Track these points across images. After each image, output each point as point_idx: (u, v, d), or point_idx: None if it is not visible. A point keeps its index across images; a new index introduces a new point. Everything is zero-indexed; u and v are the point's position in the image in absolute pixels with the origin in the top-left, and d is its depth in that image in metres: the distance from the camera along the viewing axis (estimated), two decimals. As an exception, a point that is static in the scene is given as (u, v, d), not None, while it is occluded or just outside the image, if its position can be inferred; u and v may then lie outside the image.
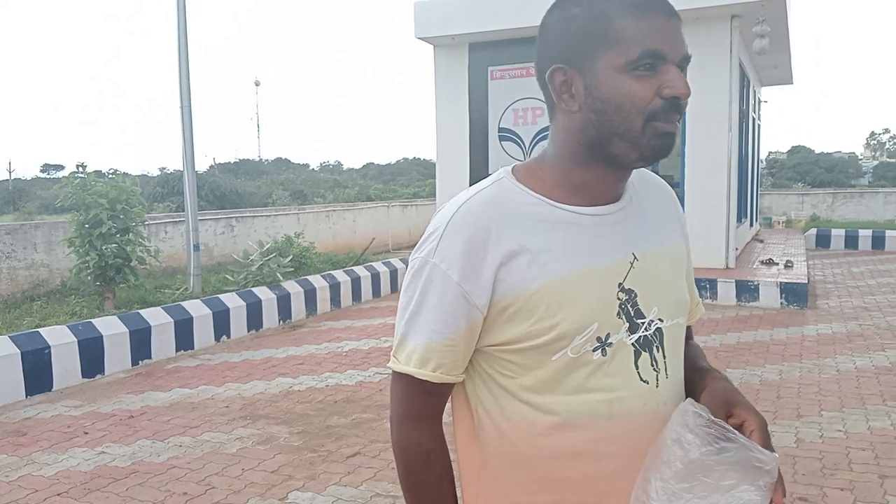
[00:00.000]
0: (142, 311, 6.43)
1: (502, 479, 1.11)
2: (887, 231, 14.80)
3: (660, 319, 1.10)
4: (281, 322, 7.71)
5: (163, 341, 6.36)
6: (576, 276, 1.04)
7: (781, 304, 8.36)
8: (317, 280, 8.41)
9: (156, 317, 6.40)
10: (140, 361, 6.15)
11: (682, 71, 1.02)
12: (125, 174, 7.65)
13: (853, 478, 3.69)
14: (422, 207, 17.45)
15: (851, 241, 14.60)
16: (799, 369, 5.73)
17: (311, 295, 8.16)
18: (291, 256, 8.61)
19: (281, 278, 8.00)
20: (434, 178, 11.64)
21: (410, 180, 33.82)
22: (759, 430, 1.00)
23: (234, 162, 41.71)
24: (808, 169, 36.06)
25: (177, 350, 6.49)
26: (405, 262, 10.37)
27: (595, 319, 1.04)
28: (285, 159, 48.99)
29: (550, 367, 1.05)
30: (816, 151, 42.20)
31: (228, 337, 7.03)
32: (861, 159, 49.37)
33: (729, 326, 7.32)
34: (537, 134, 10.50)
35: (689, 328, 1.29)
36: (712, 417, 0.98)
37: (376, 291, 9.43)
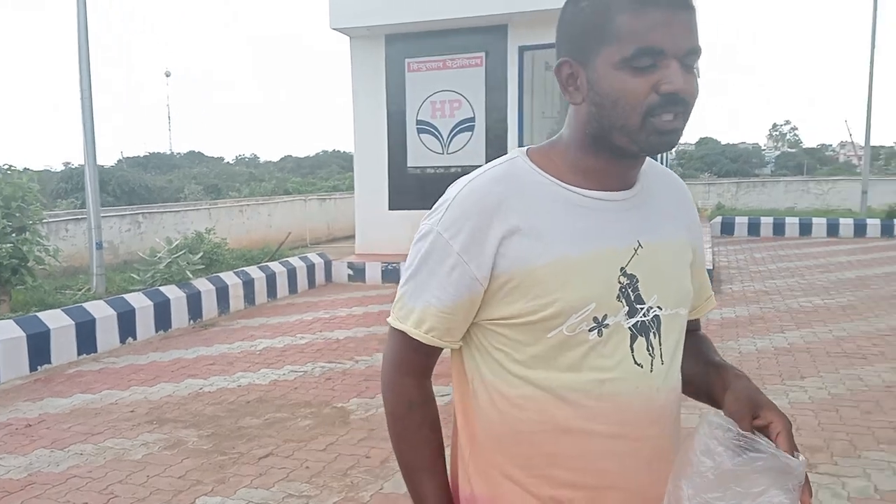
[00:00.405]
0: (40, 314, 6.11)
1: (494, 450, 1.13)
2: (787, 218, 15.57)
3: (659, 307, 1.12)
4: (191, 322, 7.48)
5: (63, 345, 6.06)
6: (579, 258, 1.06)
7: (689, 290, 8.65)
8: (229, 277, 8.18)
9: (55, 319, 6.09)
10: (38, 367, 5.84)
11: (689, 64, 1.02)
12: (25, 169, 7.27)
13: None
14: (340, 201, 17.27)
15: (754, 228, 15.29)
16: (704, 353, 5.94)
17: (223, 293, 7.94)
18: (202, 253, 8.35)
19: (191, 276, 7.75)
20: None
21: (330, 173, 33.43)
22: (784, 432, 1.01)
23: (144, 155, 40.37)
24: (715, 159, 37.57)
25: (79, 354, 6.20)
26: (323, 256, 10.24)
27: (593, 299, 1.06)
28: (198, 152, 47.69)
29: (545, 343, 1.06)
30: (723, 142, 43.98)
31: (135, 339, 6.77)
32: (764, 150, 51.75)
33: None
34: (455, 126, 10.53)
35: (697, 320, 1.33)
36: (741, 431, 1.00)
37: (293, 287, 9.26)
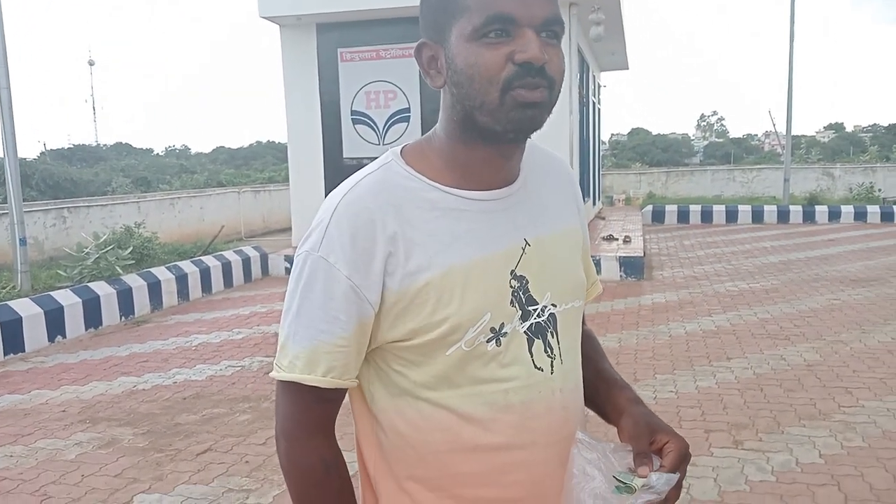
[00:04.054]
0: (-39, 314, 5.88)
1: (401, 478, 1.07)
2: (714, 206, 16.10)
3: (553, 304, 1.08)
4: (123, 318, 7.29)
5: (-13, 345, 5.84)
6: (467, 265, 1.00)
7: (621, 276, 8.89)
8: (161, 272, 8.00)
9: (-22, 319, 5.86)
10: (-39, 368, 5.62)
11: (549, 35, 0.97)
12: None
13: (683, 434, 3.97)
14: (276, 193, 17.03)
15: (683, 216, 15.75)
16: (636, 336, 6.13)
17: (155, 288, 7.76)
18: (132, 248, 8.14)
19: (121, 271, 7.54)
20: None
21: (265, 164, 32.96)
22: (675, 452, 1.02)
23: (69, 148, 38.95)
24: (647, 149, 38.48)
25: (5, 354, 5.99)
26: (258, 249, 10.10)
27: (488, 309, 1.01)
28: (126, 144, 46.35)
29: (445, 361, 1.01)
30: (654, 133, 45.10)
31: (64, 337, 6.56)
32: (693, 140, 53.28)
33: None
34: (391, 117, 10.50)
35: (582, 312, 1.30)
36: (605, 449, 1.01)
37: (228, 282, 9.11)
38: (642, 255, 9.30)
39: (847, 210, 14.99)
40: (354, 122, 10.60)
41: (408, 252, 0.99)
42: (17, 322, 6.12)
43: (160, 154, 45.98)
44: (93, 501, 3.42)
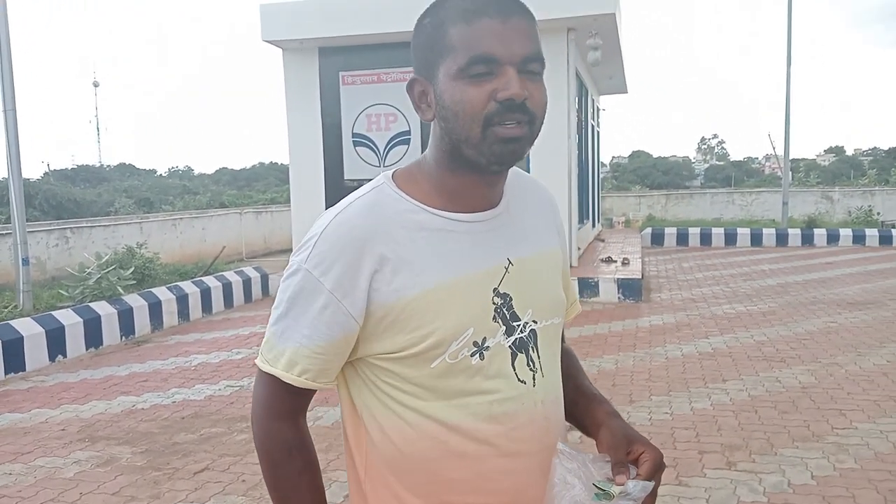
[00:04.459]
0: (-37, 333, 5.93)
1: (391, 483, 1.12)
2: (713, 228, 16.16)
3: (534, 321, 1.14)
4: (123, 338, 7.34)
5: (-12, 364, 5.88)
6: (451, 283, 1.07)
7: (619, 298, 8.93)
8: (162, 292, 8.05)
9: (-20, 338, 5.91)
10: (-38, 387, 5.66)
11: (529, 72, 1.03)
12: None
13: (677, 455, 4.03)
14: (277, 214, 17.11)
15: (682, 239, 15.80)
16: (633, 358, 6.17)
17: (155, 308, 7.81)
18: (133, 268, 8.21)
19: (122, 292, 7.61)
20: (290, 184, 11.45)
21: (267, 185, 33.08)
22: (650, 461, 1.07)
23: (72, 168, 39.25)
24: (647, 172, 38.59)
25: (6, 373, 6.02)
26: (259, 270, 10.16)
27: (470, 325, 1.07)
28: (129, 165, 46.63)
29: (430, 373, 1.07)
30: (655, 155, 45.26)
31: (64, 356, 6.61)
32: (694, 162, 53.51)
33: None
34: (391, 140, 10.61)
35: (562, 332, 1.33)
36: (586, 460, 1.06)
37: (228, 302, 9.16)
38: (641, 277, 9.35)
39: (846, 233, 15.03)
40: (355, 144, 10.70)
41: (395, 270, 1.06)
42: (19, 341, 6.17)
43: (163, 175, 46.23)
44: (90, 519, 3.45)
